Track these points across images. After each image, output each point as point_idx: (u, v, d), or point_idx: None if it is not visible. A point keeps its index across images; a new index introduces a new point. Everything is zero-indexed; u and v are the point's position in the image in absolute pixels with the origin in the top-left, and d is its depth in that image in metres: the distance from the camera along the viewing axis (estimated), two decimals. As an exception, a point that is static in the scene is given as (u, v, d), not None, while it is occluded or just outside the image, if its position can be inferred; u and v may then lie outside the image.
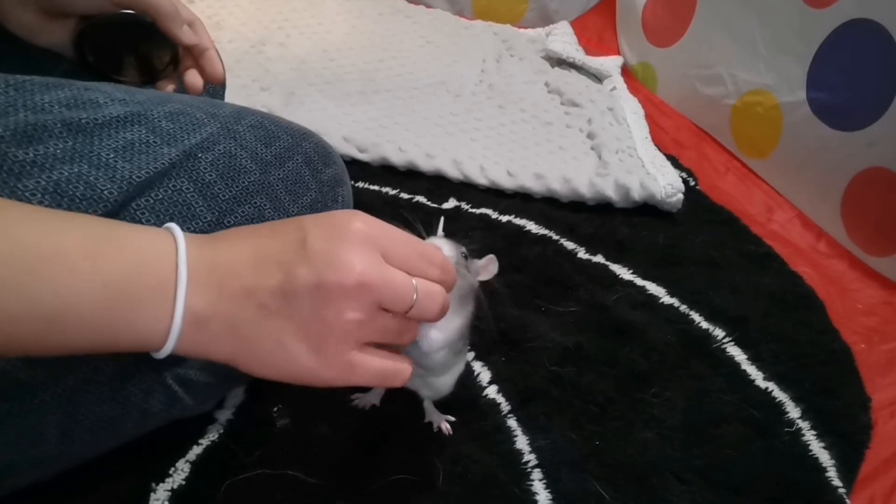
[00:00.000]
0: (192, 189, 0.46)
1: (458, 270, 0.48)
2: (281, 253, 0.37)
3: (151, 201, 0.44)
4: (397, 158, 1.06)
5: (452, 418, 0.65)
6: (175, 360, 0.47)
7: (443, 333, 0.50)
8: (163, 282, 0.35)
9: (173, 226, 0.37)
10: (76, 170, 0.41)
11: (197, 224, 0.46)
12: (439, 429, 0.64)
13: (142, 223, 0.43)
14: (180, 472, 0.56)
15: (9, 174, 0.39)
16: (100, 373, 0.43)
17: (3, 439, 0.40)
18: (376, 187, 1.02)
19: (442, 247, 0.48)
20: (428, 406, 0.65)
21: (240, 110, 0.54)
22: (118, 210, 0.42)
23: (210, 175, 0.47)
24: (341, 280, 0.36)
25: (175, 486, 0.55)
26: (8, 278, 0.30)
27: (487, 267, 0.54)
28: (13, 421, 0.40)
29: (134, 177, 0.43)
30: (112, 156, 0.43)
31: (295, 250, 0.37)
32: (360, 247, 0.37)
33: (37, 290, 0.31)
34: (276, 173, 0.52)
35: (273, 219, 0.51)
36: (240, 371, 0.52)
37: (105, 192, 0.42)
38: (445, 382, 0.59)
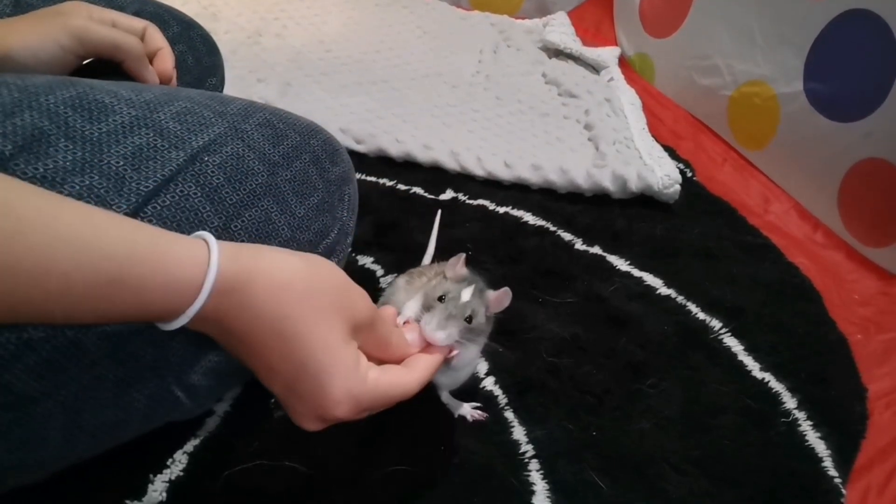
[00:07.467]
0: (199, 194, 0.45)
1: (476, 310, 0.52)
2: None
3: (158, 208, 0.43)
4: (394, 150, 1.06)
5: (478, 404, 0.65)
6: (179, 365, 0.47)
7: (467, 362, 0.55)
8: (183, 305, 0.37)
9: (212, 253, 0.37)
10: (87, 182, 0.40)
11: (203, 230, 0.45)
12: (471, 418, 0.64)
13: None
14: (178, 464, 0.56)
15: None
16: (103, 380, 0.43)
17: (6, 445, 0.40)
18: (373, 178, 1.01)
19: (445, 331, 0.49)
20: (449, 400, 0.65)
21: (248, 106, 0.53)
22: None
23: (217, 178, 0.47)
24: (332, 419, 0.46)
25: (173, 478, 0.55)
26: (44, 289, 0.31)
27: (500, 299, 0.54)
28: (16, 428, 0.40)
29: (142, 188, 0.43)
30: (121, 164, 0.42)
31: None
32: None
33: (65, 306, 0.33)
34: (283, 174, 0.51)
35: (279, 221, 0.50)
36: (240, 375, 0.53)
37: (114, 206, 0.41)
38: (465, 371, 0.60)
